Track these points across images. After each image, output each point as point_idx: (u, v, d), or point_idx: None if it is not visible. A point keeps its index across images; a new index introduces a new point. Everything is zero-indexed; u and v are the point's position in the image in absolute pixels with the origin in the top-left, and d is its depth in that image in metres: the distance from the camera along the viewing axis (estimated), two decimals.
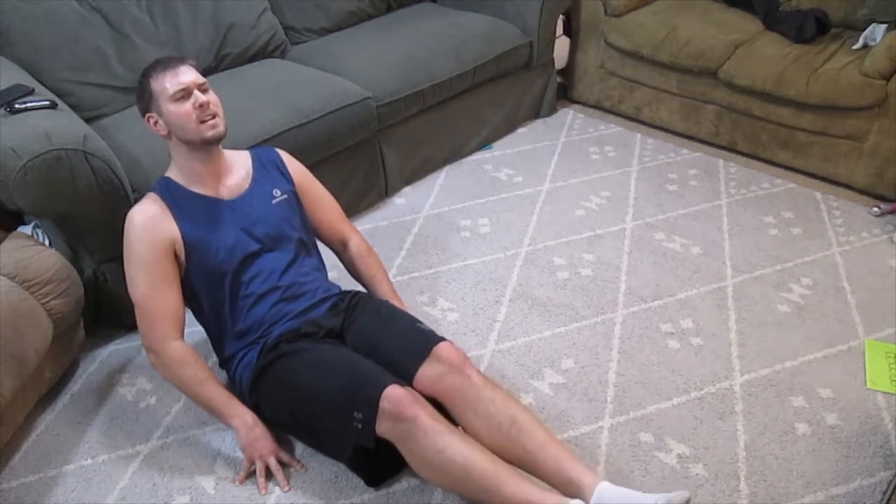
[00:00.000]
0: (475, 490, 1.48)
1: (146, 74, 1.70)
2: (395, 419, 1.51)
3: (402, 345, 1.71)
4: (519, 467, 1.52)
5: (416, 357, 1.66)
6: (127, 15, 2.41)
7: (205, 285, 1.77)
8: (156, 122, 1.71)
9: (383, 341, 1.73)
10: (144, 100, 1.71)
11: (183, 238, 1.72)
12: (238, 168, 1.85)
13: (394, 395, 1.52)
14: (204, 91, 1.70)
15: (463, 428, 1.61)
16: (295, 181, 1.93)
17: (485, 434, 1.56)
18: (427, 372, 1.65)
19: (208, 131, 1.69)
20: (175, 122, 1.68)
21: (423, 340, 1.70)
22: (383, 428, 1.53)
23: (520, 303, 2.28)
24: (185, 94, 1.67)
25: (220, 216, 1.77)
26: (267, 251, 1.80)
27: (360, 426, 1.55)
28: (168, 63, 1.69)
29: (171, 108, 1.67)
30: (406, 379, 1.63)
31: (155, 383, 1.98)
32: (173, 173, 1.78)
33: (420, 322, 1.79)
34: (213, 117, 1.70)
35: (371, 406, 1.52)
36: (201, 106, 1.67)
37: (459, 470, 1.48)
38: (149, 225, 1.70)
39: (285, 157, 1.96)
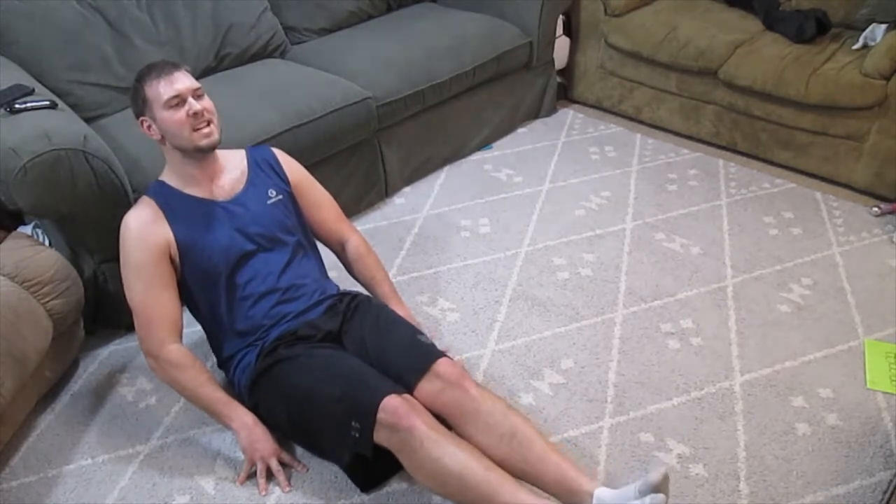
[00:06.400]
0: (472, 498, 1.48)
1: (140, 79, 1.69)
2: (391, 429, 1.51)
3: (402, 359, 1.70)
4: (520, 479, 1.52)
5: (415, 372, 1.66)
6: (127, 15, 2.41)
7: (201, 286, 1.77)
8: (150, 127, 1.70)
9: (382, 354, 1.72)
10: (138, 104, 1.70)
11: (177, 240, 1.71)
12: (233, 168, 1.84)
13: (390, 405, 1.52)
14: (199, 97, 1.69)
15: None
16: (291, 181, 1.92)
17: (485, 447, 1.56)
18: (426, 388, 1.64)
19: (202, 140, 1.69)
20: (169, 129, 1.67)
21: (422, 355, 1.69)
22: (381, 437, 1.53)
23: (520, 303, 2.28)
24: (179, 101, 1.66)
25: (214, 217, 1.76)
26: (263, 251, 1.79)
27: (357, 435, 1.55)
28: (163, 69, 1.67)
29: (165, 115, 1.66)
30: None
31: (155, 383, 1.98)
32: (167, 176, 1.78)
33: (420, 333, 1.78)
34: (208, 125, 1.69)
35: (369, 416, 1.52)
36: (195, 114, 1.66)
37: (455, 478, 1.47)
38: (143, 229, 1.69)
39: (281, 156, 1.95)
